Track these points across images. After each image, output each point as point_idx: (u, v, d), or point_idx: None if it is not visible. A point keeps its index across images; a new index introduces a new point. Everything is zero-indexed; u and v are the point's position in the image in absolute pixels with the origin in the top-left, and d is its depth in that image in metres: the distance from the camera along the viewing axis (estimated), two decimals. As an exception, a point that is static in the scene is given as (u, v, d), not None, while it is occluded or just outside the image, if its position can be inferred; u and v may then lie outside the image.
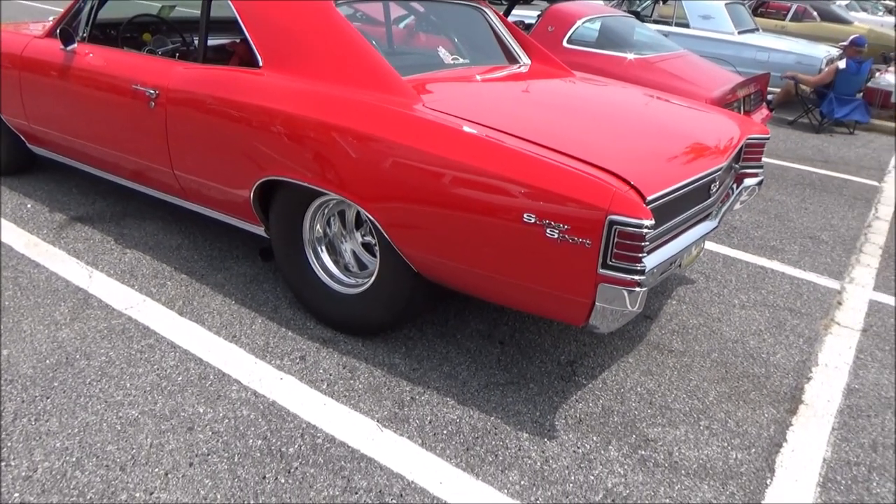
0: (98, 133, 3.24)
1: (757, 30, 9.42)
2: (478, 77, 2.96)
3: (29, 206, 3.69)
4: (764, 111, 5.36)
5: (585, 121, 2.55)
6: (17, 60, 3.50)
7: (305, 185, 2.50)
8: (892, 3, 18.67)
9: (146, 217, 3.67)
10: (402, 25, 5.86)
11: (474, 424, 2.27)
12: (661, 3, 10.09)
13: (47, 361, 2.40)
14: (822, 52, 8.50)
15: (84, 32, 3.29)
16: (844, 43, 7.24)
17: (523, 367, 2.61)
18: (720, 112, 3.19)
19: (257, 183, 2.65)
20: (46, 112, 3.46)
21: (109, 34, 3.54)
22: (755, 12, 11.95)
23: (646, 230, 1.90)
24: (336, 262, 2.74)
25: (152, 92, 2.89)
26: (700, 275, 3.57)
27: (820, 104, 7.46)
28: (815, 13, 12.82)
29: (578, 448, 2.20)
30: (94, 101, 3.16)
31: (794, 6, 12.43)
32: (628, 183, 2.00)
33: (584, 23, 5.07)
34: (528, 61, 3.44)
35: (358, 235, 2.76)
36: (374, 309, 2.57)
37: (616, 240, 1.91)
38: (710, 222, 2.57)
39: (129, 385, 2.31)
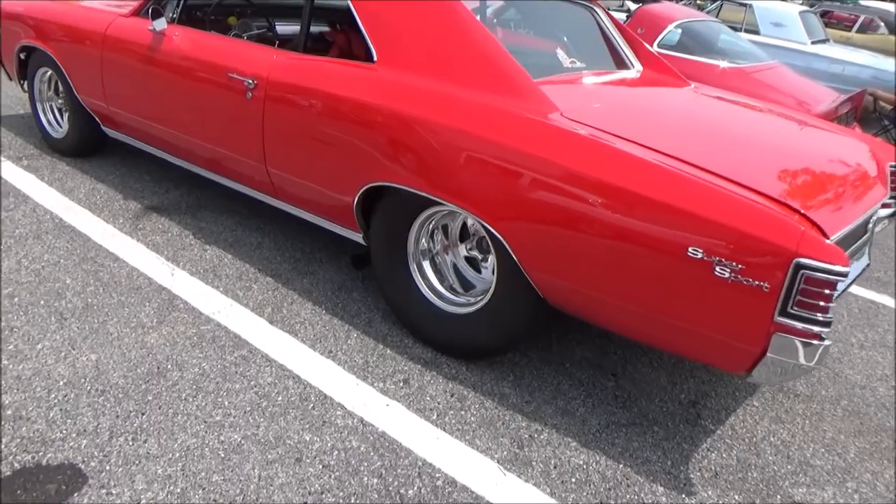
0: (184, 121, 3.06)
1: (828, 40, 9.05)
2: (604, 83, 2.74)
3: (102, 191, 3.54)
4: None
5: (734, 141, 2.31)
6: (100, 39, 3.33)
7: (421, 193, 2.29)
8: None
9: (222, 210, 3.50)
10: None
11: (603, 472, 2.05)
12: (721, 4, 9.75)
13: (138, 370, 2.23)
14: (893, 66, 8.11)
15: (174, 14, 3.11)
16: None
17: (643, 406, 2.39)
18: (856, 134, 2.92)
19: (364, 188, 2.45)
20: (128, 94, 3.29)
21: (195, 16, 3.35)
22: (819, 22, 11.52)
23: (839, 277, 1.66)
24: (441, 280, 2.53)
25: (250, 82, 2.69)
26: (810, 307, 3.31)
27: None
28: (881, 24, 12.36)
29: (721, 508, 1.98)
30: (183, 88, 2.99)
31: (862, 17, 11.98)
32: (810, 220, 1.77)
33: (675, 27, 4.81)
34: (640, 67, 3.20)
35: (462, 249, 2.56)
36: (486, 332, 2.37)
37: (801, 286, 1.68)
38: (864, 259, 2.33)
39: (227, 403, 2.13)
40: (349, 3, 2.53)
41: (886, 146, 2.92)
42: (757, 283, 1.72)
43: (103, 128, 3.68)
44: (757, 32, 8.47)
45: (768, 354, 1.77)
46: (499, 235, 2.12)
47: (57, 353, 2.26)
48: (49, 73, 3.85)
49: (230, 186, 3.15)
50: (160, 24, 3.03)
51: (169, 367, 2.27)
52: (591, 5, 3.26)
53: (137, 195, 3.55)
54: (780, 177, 2.02)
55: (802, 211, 1.78)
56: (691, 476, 2.09)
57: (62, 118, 3.96)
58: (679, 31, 4.85)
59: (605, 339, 2.76)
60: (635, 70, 3.15)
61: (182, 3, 3.11)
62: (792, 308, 1.71)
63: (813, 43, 8.39)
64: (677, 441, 2.24)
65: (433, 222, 2.49)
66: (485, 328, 2.37)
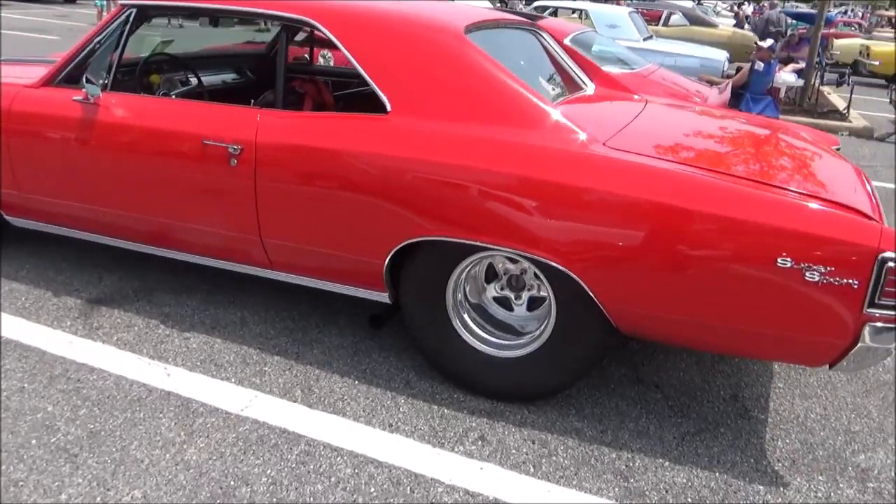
0: (139, 198, 2.69)
1: (652, 36, 9.98)
2: (592, 106, 2.80)
3: (23, 291, 3.01)
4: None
5: (757, 152, 2.47)
6: (2, 117, 2.83)
7: (471, 243, 2.21)
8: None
9: (178, 289, 3.11)
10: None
11: (707, 485, 2.11)
12: (556, 10, 10.44)
13: (200, 496, 1.92)
14: (722, 55, 9.17)
15: (105, 80, 2.72)
16: (763, 44, 7.79)
17: (698, 410, 2.48)
18: (797, 127, 3.25)
19: (398, 247, 2.31)
20: (53, 177, 2.83)
21: (122, 80, 2.95)
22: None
23: (916, 265, 1.84)
24: (484, 328, 2.45)
25: (235, 148, 2.43)
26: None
27: (736, 104, 8.00)
28: (676, 15, 13.83)
29: (818, 491, 2.11)
30: (137, 162, 2.63)
31: (665, 12, 13.35)
32: (872, 219, 1.94)
33: (569, 40, 5.04)
34: (592, 85, 3.31)
35: (491, 290, 2.50)
36: (549, 371, 2.33)
37: (887, 277, 1.84)
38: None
39: (322, 510, 1.91)
40: (349, 55, 2.37)
41: (825, 135, 3.27)
42: (847, 281, 1.85)
43: (6, 217, 3.13)
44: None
45: (860, 344, 1.92)
46: (573, 275, 2.09)
47: (91, 499, 1.89)
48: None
49: (176, 260, 2.84)
50: (94, 91, 2.64)
51: (232, 483, 1.98)
52: (534, 29, 3.32)
53: (69, 288, 3.07)
54: (823, 182, 2.19)
55: (863, 211, 1.95)
56: (776, 469, 2.21)
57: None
58: (576, 43, 5.10)
59: (627, 350, 2.83)
60: (591, 89, 3.26)
61: (113, 67, 2.72)
62: (879, 299, 1.86)
63: (644, 39, 9.21)
64: (746, 438, 2.35)
65: (467, 271, 2.40)
66: (547, 367, 2.33)
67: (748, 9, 33.87)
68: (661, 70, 5.46)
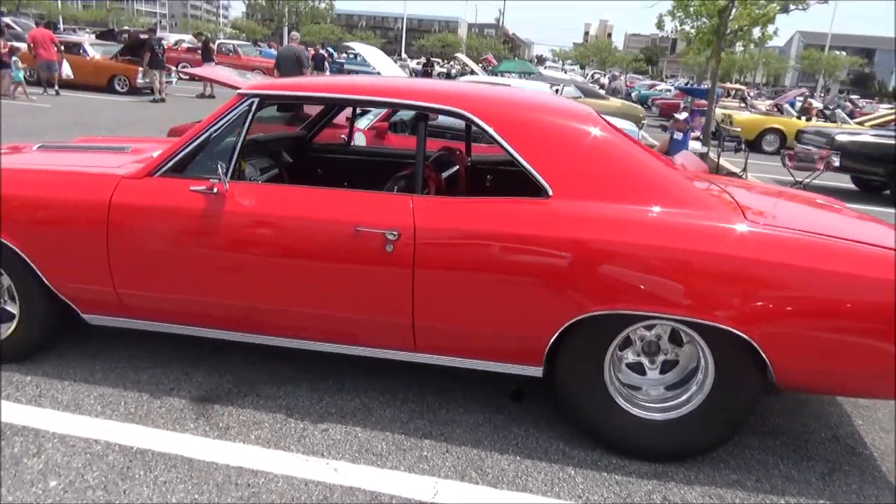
0: (273, 289, 2.62)
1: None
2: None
3: (116, 396, 2.77)
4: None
5: (829, 216, 2.87)
6: (102, 210, 2.66)
7: (646, 314, 2.39)
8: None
9: (277, 380, 3.00)
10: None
11: (873, 518, 2.36)
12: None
13: (463, 590, 1.90)
14: (634, 126, 10.10)
15: (225, 169, 2.65)
16: (679, 116, 8.72)
17: (817, 452, 2.76)
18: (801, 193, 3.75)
19: (567, 323, 2.44)
20: (166, 273, 2.67)
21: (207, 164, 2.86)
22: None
23: None
24: (633, 394, 2.62)
25: (393, 234, 2.47)
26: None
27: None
28: (569, 87, 15.06)
29: (955, 513, 2.44)
30: (276, 253, 2.58)
31: (561, 85, 14.49)
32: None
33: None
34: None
35: (629, 355, 2.67)
36: (704, 430, 2.52)
37: None
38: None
39: (582, 587, 1.95)
40: (508, 146, 2.51)
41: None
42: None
43: (84, 315, 2.90)
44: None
45: None
46: (751, 340, 2.31)
47: None
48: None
49: (256, 345, 2.83)
50: (224, 181, 2.58)
51: (480, 573, 1.97)
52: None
53: (163, 388, 2.87)
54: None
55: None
56: (911, 497, 2.52)
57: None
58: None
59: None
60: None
61: (235, 156, 2.67)
62: None
63: (564, 112, 9.98)
64: (870, 472, 2.66)
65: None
66: (703, 427, 2.52)
67: (604, 79, 37.70)
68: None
